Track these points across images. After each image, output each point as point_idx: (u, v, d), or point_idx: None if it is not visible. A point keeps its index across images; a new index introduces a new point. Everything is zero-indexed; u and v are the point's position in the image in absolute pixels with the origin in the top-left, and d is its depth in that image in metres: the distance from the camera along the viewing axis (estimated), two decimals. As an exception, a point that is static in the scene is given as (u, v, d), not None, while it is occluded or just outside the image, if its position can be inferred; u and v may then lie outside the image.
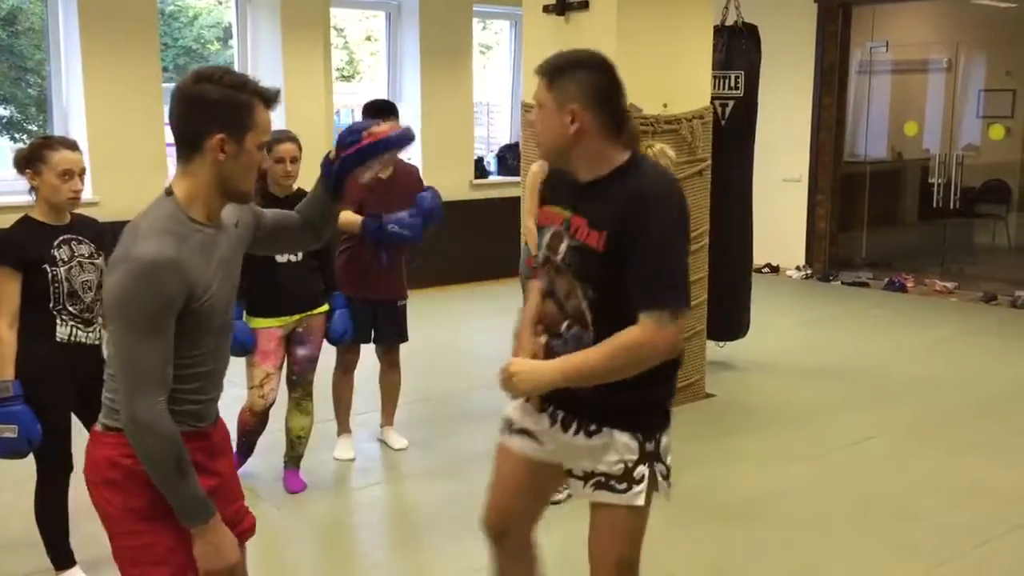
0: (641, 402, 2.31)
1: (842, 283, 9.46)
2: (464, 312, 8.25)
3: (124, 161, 7.08)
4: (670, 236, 2.18)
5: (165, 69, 8.22)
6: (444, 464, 4.70)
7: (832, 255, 9.89)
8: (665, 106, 5.24)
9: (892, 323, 7.86)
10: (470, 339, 7.43)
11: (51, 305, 3.20)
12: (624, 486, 2.32)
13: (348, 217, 4.34)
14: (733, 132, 5.91)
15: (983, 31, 10.22)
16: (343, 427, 4.77)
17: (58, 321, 3.22)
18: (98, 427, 2.11)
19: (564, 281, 2.32)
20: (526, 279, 5.17)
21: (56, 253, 3.20)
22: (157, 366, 1.96)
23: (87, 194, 7.08)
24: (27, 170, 3.23)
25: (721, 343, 6.21)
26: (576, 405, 2.35)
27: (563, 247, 2.31)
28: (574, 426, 2.38)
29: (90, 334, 3.28)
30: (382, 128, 2.31)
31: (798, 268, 9.72)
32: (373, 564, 3.88)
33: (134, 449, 1.99)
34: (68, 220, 3.30)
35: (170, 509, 2.02)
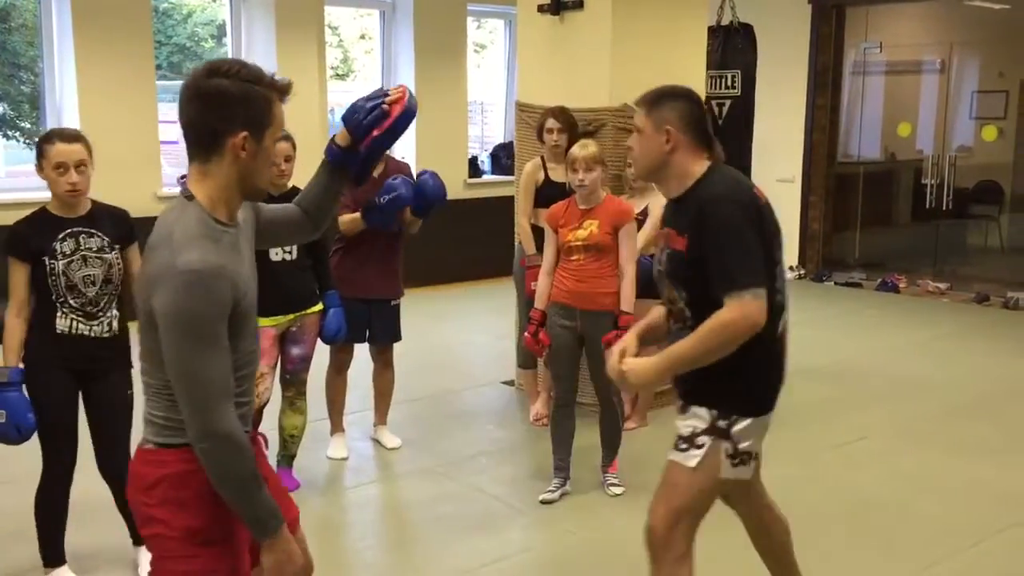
0: (724, 386, 2.58)
1: (835, 283, 9.49)
2: (458, 311, 8.25)
3: (117, 158, 7.02)
4: (735, 227, 2.48)
5: (159, 67, 8.19)
6: (437, 463, 4.70)
7: (825, 255, 9.91)
8: (659, 106, 5.23)
9: (884, 323, 7.88)
10: (464, 338, 7.42)
11: (53, 297, 3.21)
12: (685, 447, 2.63)
13: (349, 218, 4.33)
14: (730, 131, 5.91)
15: (976, 32, 10.25)
16: (336, 426, 4.77)
17: (59, 313, 3.22)
18: (148, 445, 2.02)
19: (666, 287, 2.67)
20: (520, 278, 5.18)
21: (58, 246, 3.19)
22: (225, 376, 1.91)
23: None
24: (36, 164, 3.27)
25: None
26: (684, 393, 2.69)
27: (664, 256, 2.67)
28: (685, 409, 2.69)
29: (94, 327, 3.25)
30: (394, 95, 2.21)
31: (791, 268, 9.74)
32: (366, 563, 3.88)
33: (208, 465, 1.90)
34: (84, 212, 3.26)
35: (227, 534, 1.99)
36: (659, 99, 2.64)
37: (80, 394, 3.33)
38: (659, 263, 2.72)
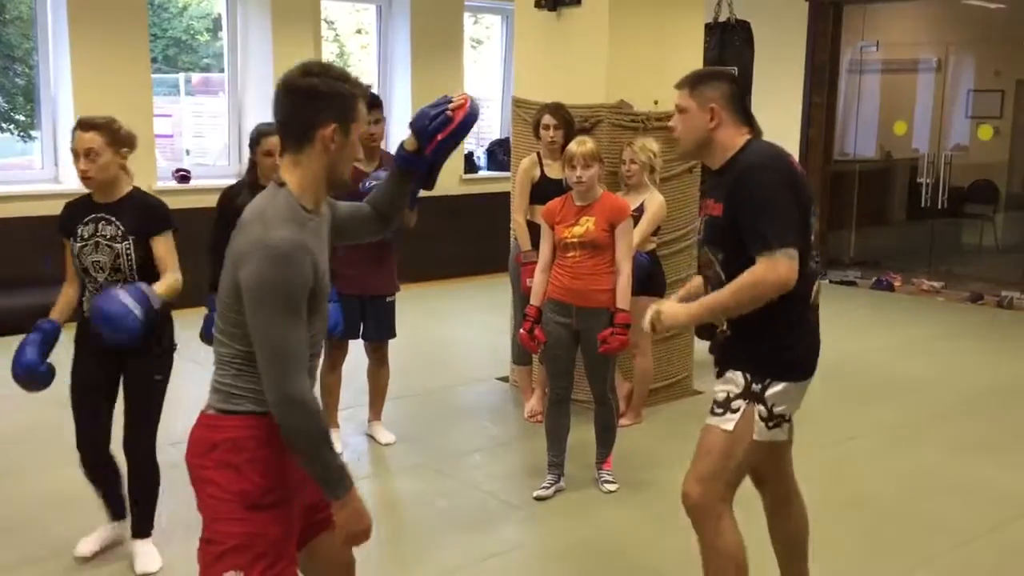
0: (758, 350, 2.69)
1: (830, 282, 9.48)
2: (453, 307, 8.24)
3: (112, 152, 7.04)
4: (768, 190, 2.59)
5: (154, 60, 8.18)
6: (431, 459, 4.70)
7: (820, 254, 9.91)
8: (656, 103, 5.23)
9: (879, 322, 7.89)
10: (459, 334, 7.42)
11: (81, 278, 3.37)
12: (721, 411, 2.73)
13: None
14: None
15: (973, 32, 10.26)
16: (330, 422, 4.76)
17: (84, 295, 3.37)
18: (210, 411, 2.14)
19: (704, 253, 2.81)
20: (515, 275, 5.18)
21: (79, 229, 3.32)
22: (303, 346, 2.06)
23: (73, 183, 7.04)
24: None
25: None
26: (720, 360, 2.80)
27: (702, 226, 2.80)
28: (721, 376, 2.80)
29: None
30: (458, 102, 2.35)
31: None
32: (359, 558, 3.85)
33: (285, 428, 2.04)
34: (115, 199, 3.34)
35: (278, 501, 2.10)
36: (701, 79, 2.79)
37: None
38: (698, 233, 2.88)
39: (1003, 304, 8.43)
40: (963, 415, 5.48)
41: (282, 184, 2.13)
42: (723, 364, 2.78)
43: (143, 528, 3.51)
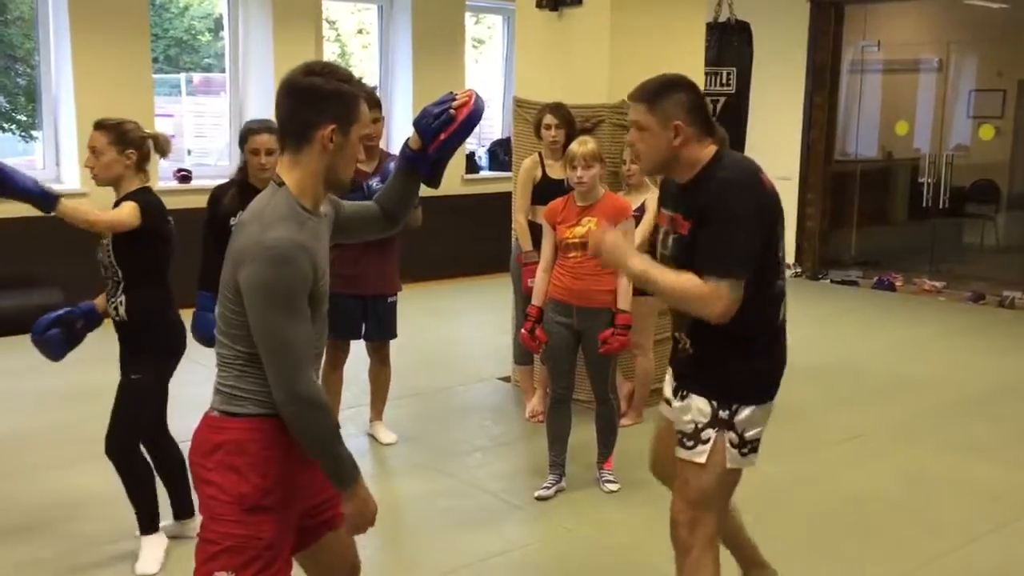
0: (722, 375, 2.61)
1: (831, 281, 9.49)
2: (454, 307, 8.25)
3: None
4: (739, 213, 2.49)
5: (155, 60, 8.19)
6: (433, 459, 4.70)
7: (822, 254, 9.91)
8: (657, 103, 5.22)
9: (880, 322, 7.89)
10: (460, 334, 7.42)
11: None
12: (692, 443, 2.63)
13: None
14: (725, 129, 5.89)
15: (974, 31, 10.25)
16: (332, 421, 4.76)
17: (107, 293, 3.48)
18: (214, 413, 2.15)
19: (668, 265, 2.67)
20: (517, 275, 5.18)
21: None
22: (307, 344, 2.07)
23: (75, 183, 7.10)
24: None
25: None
26: (680, 375, 2.72)
27: (670, 240, 2.66)
28: (679, 394, 2.71)
29: (111, 308, 3.41)
30: (461, 100, 2.34)
31: (788, 266, 9.74)
32: (361, 558, 3.87)
33: (294, 425, 2.06)
34: (117, 198, 3.40)
35: (275, 505, 2.11)
36: (659, 93, 2.62)
37: None
38: (664, 247, 2.69)
39: (1004, 304, 8.42)
40: (964, 415, 5.48)
41: (281, 184, 2.13)
42: (684, 382, 2.69)
43: (141, 526, 3.52)
